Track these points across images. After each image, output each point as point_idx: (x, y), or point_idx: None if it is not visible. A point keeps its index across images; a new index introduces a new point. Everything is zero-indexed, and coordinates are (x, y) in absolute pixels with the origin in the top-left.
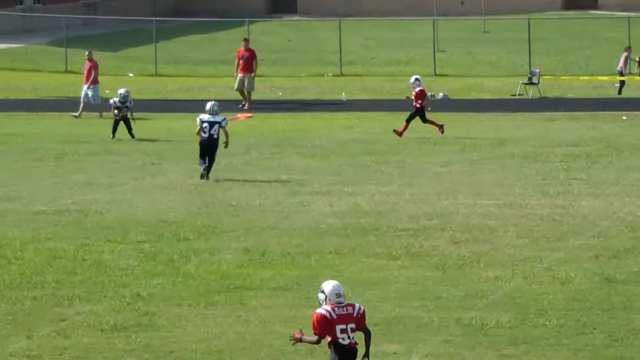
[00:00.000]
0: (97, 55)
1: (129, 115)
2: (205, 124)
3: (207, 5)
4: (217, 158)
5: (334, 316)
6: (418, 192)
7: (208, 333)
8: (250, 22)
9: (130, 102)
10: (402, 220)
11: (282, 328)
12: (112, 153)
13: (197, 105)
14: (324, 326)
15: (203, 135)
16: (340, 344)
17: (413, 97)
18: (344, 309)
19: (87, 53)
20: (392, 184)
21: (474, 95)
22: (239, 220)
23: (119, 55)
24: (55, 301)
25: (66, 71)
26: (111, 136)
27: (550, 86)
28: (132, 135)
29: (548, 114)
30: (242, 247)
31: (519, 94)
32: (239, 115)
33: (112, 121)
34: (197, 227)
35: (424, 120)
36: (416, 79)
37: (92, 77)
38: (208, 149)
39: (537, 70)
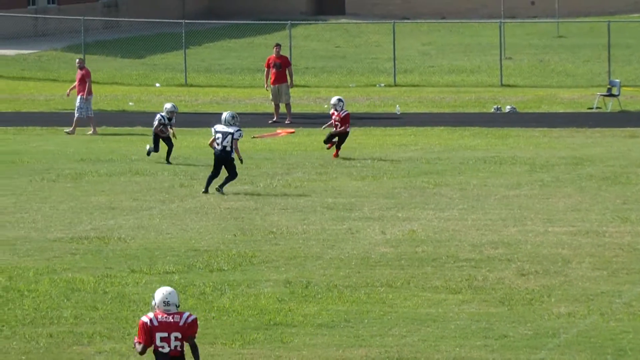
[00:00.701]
0: (120, 62)
1: (170, 132)
2: (219, 135)
3: (243, 5)
4: (254, 179)
5: (156, 323)
6: (482, 218)
7: None
8: (292, 25)
9: (174, 119)
10: (463, 250)
11: None
12: (137, 173)
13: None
14: (144, 333)
15: (216, 147)
16: (160, 352)
17: (336, 122)
18: (171, 317)
19: (77, 60)
20: (452, 209)
21: (545, 109)
22: (280, 249)
23: (145, 62)
24: (73, 339)
25: None
26: (153, 150)
27: (633, 99)
28: (169, 161)
29: (630, 130)
30: (282, 279)
31: (596, 107)
32: (279, 130)
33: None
34: (232, 257)
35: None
36: (339, 100)
37: (86, 88)
38: (222, 162)
39: (617, 81)
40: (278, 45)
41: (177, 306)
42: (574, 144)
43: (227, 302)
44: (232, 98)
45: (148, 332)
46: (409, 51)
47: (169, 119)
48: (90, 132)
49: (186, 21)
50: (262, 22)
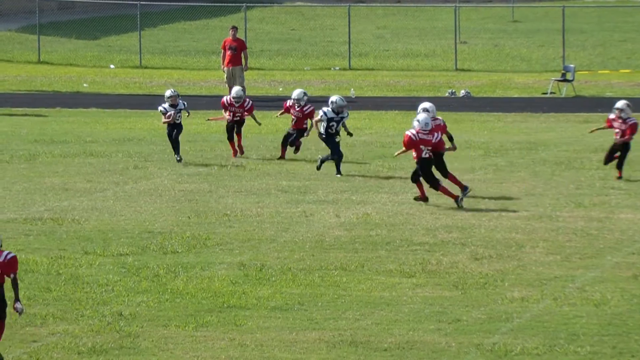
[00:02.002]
0: (75, 44)
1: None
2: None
3: None
4: (208, 161)
5: None
6: (436, 202)
7: (198, 357)
8: (248, 8)
9: (184, 104)
10: (417, 233)
11: (281, 353)
12: (91, 154)
13: (186, 101)
14: None
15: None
16: None
17: (297, 117)
18: None
19: None
20: (406, 192)
21: (500, 93)
22: (234, 231)
23: (99, 44)
24: (26, 320)
25: (39, 61)
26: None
27: (587, 83)
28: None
29: (584, 115)
30: (236, 261)
31: (550, 92)
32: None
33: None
34: (186, 239)
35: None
36: (304, 93)
37: None
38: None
39: (571, 66)
40: (234, 28)
41: (0, 246)
42: (528, 128)
43: (181, 284)
44: (186, 80)
45: None
46: (364, 35)
47: (173, 105)
48: None
49: (141, 2)
50: (218, 4)
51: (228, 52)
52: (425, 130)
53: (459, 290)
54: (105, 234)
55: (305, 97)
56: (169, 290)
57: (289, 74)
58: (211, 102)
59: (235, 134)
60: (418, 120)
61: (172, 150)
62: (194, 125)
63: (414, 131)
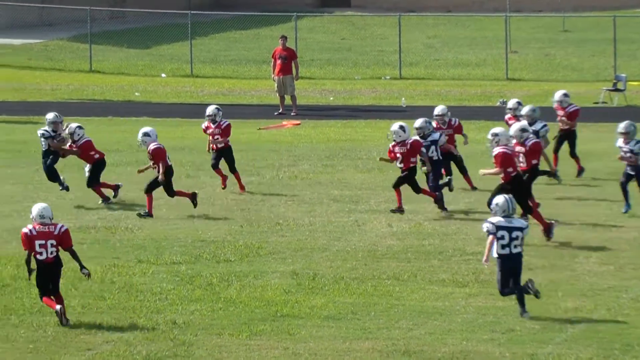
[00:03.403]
0: (127, 53)
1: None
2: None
3: None
4: (260, 171)
5: (34, 233)
6: (489, 212)
7: None
8: (298, 17)
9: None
10: (469, 243)
11: None
12: (144, 163)
13: (237, 111)
14: (26, 242)
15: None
16: (37, 259)
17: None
18: (46, 227)
19: None
20: (459, 202)
21: (550, 103)
22: (286, 240)
23: (151, 52)
24: (81, 328)
25: (91, 70)
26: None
27: (638, 93)
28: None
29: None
30: (289, 270)
31: (602, 102)
32: (285, 122)
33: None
34: (239, 248)
35: None
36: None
37: None
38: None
39: (623, 75)
40: (284, 37)
41: (51, 219)
42: (580, 138)
43: (234, 293)
44: (237, 89)
45: (29, 240)
46: (414, 44)
47: (54, 132)
48: None
49: (192, 12)
50: (268, 13)
51: (278, 61)
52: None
53: (512, 301)
54: (158, 242)
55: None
56: (222, 298)
57: (340, 83)
58: (262, 111)
59: (231, 172)
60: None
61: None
62: (245, 135)
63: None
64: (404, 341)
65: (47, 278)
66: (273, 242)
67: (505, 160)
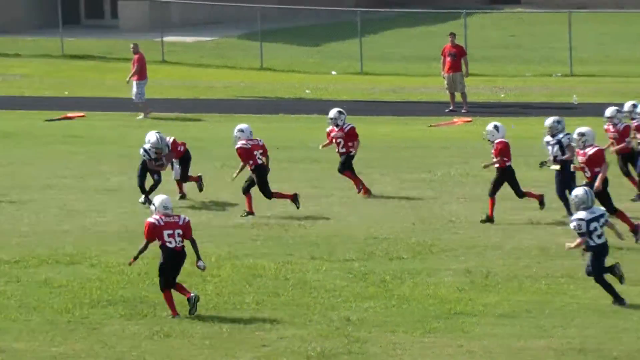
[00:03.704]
0: (297, 50)
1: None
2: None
3: None
4: (431, 168)
5: (162, 223)
6: None
7: None
8: (468, 14)
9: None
10: None
11: None
12: (315, 160)
13: (407, 108)
14: (152, 232)
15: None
16: (167, 247)
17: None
18: (171, 217)
19: (132, 46)
20: (628, 200)
21: None
22: (459, 238)
23: (321, 50)
24: (256, 324)
25: (261, 68)
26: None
27: None
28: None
29: None
30: (462, 268)
31: None
32: (456, 119)
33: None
34: (412, 245)
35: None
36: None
37: (139, 72)
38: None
39: None
40: (453, 34)
41: (172, 209)
42: None
43: (407, 290)
44: (407, 87)
45: (157, 230)
46: (585, 40)
47: (156, 153)
48: (141, 116)
49: (361, 9)
50: (438, 10)
51: (448, 59)
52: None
53: None
54: (331, 239)
55: (342, 116)
56: (396, 296)
57: (510, 80)
58: (432, 108)
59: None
60: None
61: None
62: (415, 132)
63: None
64: (579, 339)
65: (175, 266)
66: (446, 239)
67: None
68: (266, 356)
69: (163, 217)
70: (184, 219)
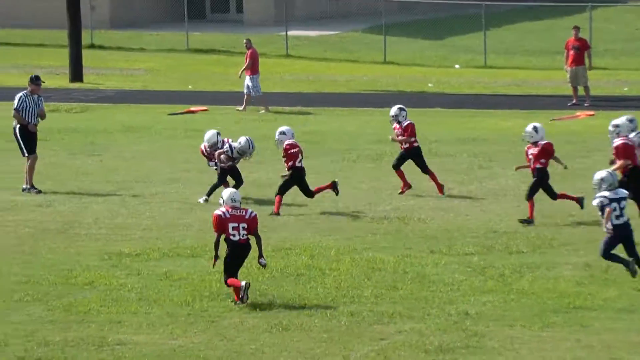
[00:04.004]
0: (420, 44)
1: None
2: None
3: None
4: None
5: (228, 216)
6: None
7: (544, 358)
8: (592, 8)
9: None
10: None
11: (629, 355)
12: (436, 154)
13: (530, 101)
14: (219, 224)
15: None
16: (231, 239)
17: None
18: (237, 211)
19: (245, 40)
20: None
21: None
22: (579, 232)
23: (444, 44)
24: (374, 318)
25: (385, 62)
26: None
27: None
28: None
29: None
30: (582, 262)
31: None
32: (578, 113)
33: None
34: (531, 239)
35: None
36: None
37: (251, 67)
38: None
39: None
40: (577, 28)
41: (240, 202)
42: None
43: (527, 284)
44: (530, 80)
45: (222, 223)
46: None
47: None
48: (263, 110)
49: (486, 3)
50: (563, 4)
51: (571, 52)
52: None
53: None
54: (450, 233)
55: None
56: (515, 290)
57: (634, 74)
58: (555, 101)
59: (424, 173)
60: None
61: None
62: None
63: None
64: None
65: (239, 258)
66: (566, 233)
67: (626, 151)
68: (384, 350)
69: (230, 210)
70: (251, 213)
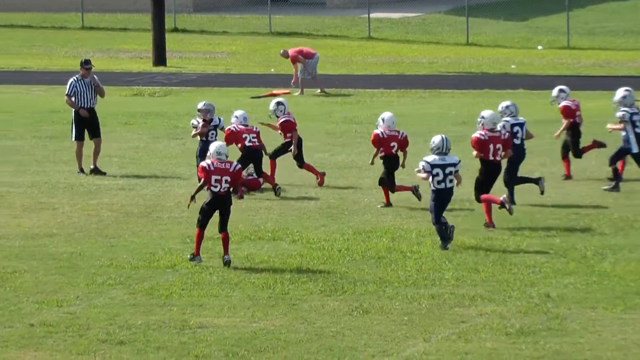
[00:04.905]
0: (504, 25)
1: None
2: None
3: None
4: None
5: (212, 168)
6: None
7: (626, 340)
8: None
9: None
10: None
11: None
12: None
13: (613, 82)
14: (204, 174)
15: None
16: (212, 190)
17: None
18: (222, 164)
19: (281, 52)
20: None
21: None
22: None
23: (528, 25)
24: (455, 300)
25: (467, 43)
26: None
27: None
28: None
29: None
30: None
31: None
32: None
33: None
34: (614, 221)
35: None
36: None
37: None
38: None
39: None
40: None
41: (227, 156)
42: None
43: (609, 266)
44: (614, 61)
45: (207, 173)
46: None
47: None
48: (318, 90)
49: None
50: None
51: None
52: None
53: None
54: (532, 215)
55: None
56: (597, 272)
57: None
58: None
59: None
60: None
61: None
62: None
63: None
64: None
65: (215, 209)
66: None
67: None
68: (464, 332)
69: (215, 163)
70: (235, 166)
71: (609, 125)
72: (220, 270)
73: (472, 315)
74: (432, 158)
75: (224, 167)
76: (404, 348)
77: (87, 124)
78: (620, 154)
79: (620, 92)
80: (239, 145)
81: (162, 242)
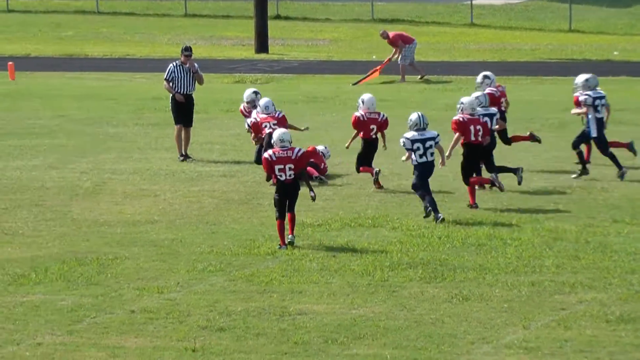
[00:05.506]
0: (607, 12)
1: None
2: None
3: None
4: None
5: (274, 158)
6: None
7: None
8: None
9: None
10: None
11: None
12: (621, 123)
13: None
14: (267, 167)
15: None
16: (279, 179)
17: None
18: (285, 152)
19: (381, 32)
20: None
21: None
22: None
23: (631, 12)
24: (555, 288)
25: (570, 30)
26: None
27: None
28: None
29: None
30: None
31: None
32: None
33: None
34: None
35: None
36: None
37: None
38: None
39: None
40: None
41: (290, 142)
42: None
43: None
44: None
45: (270, 165)
46: None
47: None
48: (419, 77)
49: None
50: None
51: None
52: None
53: None
54: (633, 202)
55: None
56: None
57: None
58: None
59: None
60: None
61: None
62: None
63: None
64: None
65: (285, 196)
66: None
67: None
68: (564, 320)
69: (277, 152)
70: (298, 152)
71: (573, 110)
72: (320, 257)
73: (572, 303)
74: (411, 134)
75: (286, 155)
76: (503, 335)
77: (182, 109)
78: (583, 138)
79: (583, 76)
80: (261, 134)
81: (263, 229)
